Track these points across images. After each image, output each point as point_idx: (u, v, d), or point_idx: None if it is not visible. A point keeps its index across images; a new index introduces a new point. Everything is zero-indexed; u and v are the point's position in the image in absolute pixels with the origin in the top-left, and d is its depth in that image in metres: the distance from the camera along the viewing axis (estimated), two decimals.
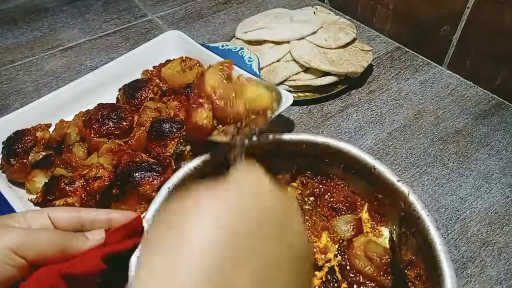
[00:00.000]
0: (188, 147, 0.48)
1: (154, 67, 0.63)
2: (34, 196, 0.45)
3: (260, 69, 0.60)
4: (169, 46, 0.65)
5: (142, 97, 0.54)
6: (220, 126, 0.41)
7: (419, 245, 0.37)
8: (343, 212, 0.43)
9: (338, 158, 0.43)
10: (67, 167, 0.48)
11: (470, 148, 0.56)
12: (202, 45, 0.63)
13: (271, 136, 0.45)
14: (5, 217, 0.30)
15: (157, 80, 0.57)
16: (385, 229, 0.42)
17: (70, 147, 0.50)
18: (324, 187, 0.45)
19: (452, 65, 0.68)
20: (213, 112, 0.41)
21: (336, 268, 0.39)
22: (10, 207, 0.43)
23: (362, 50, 0.67)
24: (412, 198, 0.37)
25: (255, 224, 0.27)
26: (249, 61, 0.60)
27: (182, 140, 0.47)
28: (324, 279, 0.38)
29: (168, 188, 0.38)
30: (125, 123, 0.50)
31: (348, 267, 0.38)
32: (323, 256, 0.40)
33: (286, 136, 0.44)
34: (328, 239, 0.41)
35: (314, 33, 0.67)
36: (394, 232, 0.40)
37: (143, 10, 0.86)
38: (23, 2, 0.90)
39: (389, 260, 0.38)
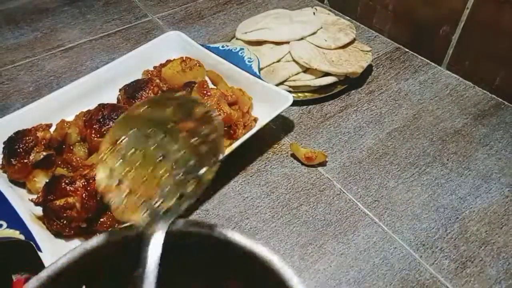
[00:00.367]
0: None
1: (154, 67, 0.63)
2: (35, 196, 0.45)
3: (260, 69, 0.60)
4: (169, 47, 0.65)
5: (143, 97, 0.55)
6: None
7: None
8: None
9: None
10: (68, 167, 0.48)
11: (469, 148, 0.56)
12: (202, 45, 0.63)
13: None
14: None
15: (158, 80, 0.57)
16: None
17: (71, 147, 0.50)
18: None
19: (451, 65, 0.68)
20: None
21: None
22: (11, 207, 0.43)
23: (361, 50, 0.67)
24: None
25: None
26: (249, 61, 0.60)
27: None
28: None
29: None
30: None
31: None
32: None
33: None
34: None
35: (314, 33, 0.67)
36: None
37: (144, 11, 0.87)
38: (24, 2, 0.91)
39: None
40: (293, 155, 0.55)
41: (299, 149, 0.54)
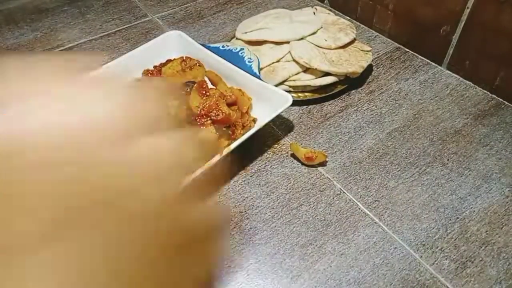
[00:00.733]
0: None
1: (154, 66, 0.63)
2: None
3: (260, 69, 0.60)
4: (169, 46, 0.65)
5: None
6: None
7: None
8: None
9: None
10: None
11: (469, 148, 0.56)
12: (202, 45, 0.63)
13: None
14: None
15: None
16: None
17: None
18: None
19: (451, 65, 0.68)
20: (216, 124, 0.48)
21: None
22: None
23: (361, 50, 0.67)
24: None
25: None
26: (249, 61, 0.60)
27: None
28: None
29: None
30: None
31: None
32: None
33: None
34: None
35: (314, 33, 0.67)
36: None
37: (144, 11, 0.87)
38: (24, 2, 0.91)
39: None
40: (293, 155, 0.55)
41: (299, 149, 0.54)
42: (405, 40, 0.74)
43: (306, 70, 0.63)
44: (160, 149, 0.16)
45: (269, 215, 0.49)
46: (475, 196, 0.50)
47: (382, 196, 0.50)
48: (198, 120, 0.49)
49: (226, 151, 0.48)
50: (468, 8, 0.61)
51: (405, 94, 0.64)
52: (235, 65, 0.59)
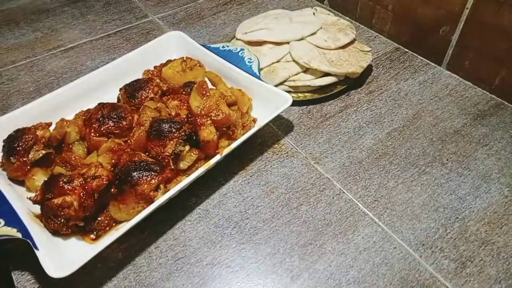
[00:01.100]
0: (187, 148, 0.48)
1: (155, 67, 0.63)
2: (33, 194, 0.45)
3: (260, 70, 0.60)
4: (170, 46, 0.65)
5: (143, 97, 0.55)
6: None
7: None
8: None
9: None
10: (67, 166, 0.48)
11: (469, 148, 0.56)
12: (203, 45, 0.63)
13: None
14: None
15: (158, 80, 0.58)
16: None
17: (70, 146, 0.50)
18: None
19: (451, 65, 0.68)
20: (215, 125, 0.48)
21: None
22: (9, 205, 0.43)
23: (361, 50, 0.67)
24: None
25: None
26: (249, 62, 0.60)
27: (181, 141, 0.47)
28: None
29: None
30: (124, 123, 0.50)
31: None
32: None
33: None
34: None
35: (313, 34, 0.67)
36: None
37: (144, 11, 0.87)
38: (24, 2, 0.91)
39: None
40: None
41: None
42: (405, 41, 0.74)
43: (306, 70, 0.64)
44: None
45: (269, 215, 0.49)
46: (475, 196, 0.50)
47: (381, 196, 0.50)
48: (198, 120, 0.49)
49: (226, 151, 0.48)
50: (467, 8, 0.61)
51: (405, 94, 0.65)
52: (235, 66, 0.59)
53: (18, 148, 0.47)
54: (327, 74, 0.63)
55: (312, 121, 0.61)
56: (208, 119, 0.50)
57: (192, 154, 0.48)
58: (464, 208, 0.49)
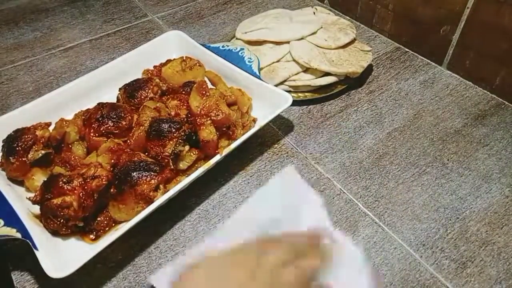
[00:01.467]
0: (187, 148, 0.48)
1: (154, 66, 0.63)
2: (33, 195, 0.45)
3: (260, 69, 0.60)
4: (170, 46, 0.65)
5: (142, 97, 0.54)
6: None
7: None
8: None
9: None
10: (66, 166, 0.48)
11: (469, 148, 0.56)
12: (202, 45, 0.63)
13: None
14: None
15: (157, 80, 0.57)
16: None
17: (70, 146, 0.50)
18: None
19: (451, 65, 0.68)
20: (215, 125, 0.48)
21: None
22: (9, 205, 0.43)
23: (361, 50, 0.67)
24: None
25: None
26: (249, 61, 0.60)
27: (181, 141, 0.47)
28: None
29: None
30: (124, 123, 0.50)
31: None
32: None
33: None
34: None
35: (314, 33, 0.67)
36: None
37: (144, 11, 0.87)
38: (24, 2, 0.91)
39: None
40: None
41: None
42: (405, 40, 0.74)
43: (306, 70, 0.63)
44: None
45: None
46: (475, 196, 0.50)
47: (382, 196, 0.50)
48: (197, 120, 0.49)
49: (226, 151, 0.48)
50: (468, 8, 0.61)
51: (405, 94, 0.64)
52: (235, 65, 0.59)
53: (17, 148, 0.47)
54: (327, 74, 0.63)
55: (312, 121, 0.61)
56: (208, 119, 0.49)
57: (191, 154, 0.48)
58: (465, 208, 0.49)
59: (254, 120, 0.55)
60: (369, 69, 0.69)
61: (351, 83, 0.65)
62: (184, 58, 0.61)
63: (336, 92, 0.63)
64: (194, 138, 0.48)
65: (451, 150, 0.56)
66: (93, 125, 0.49)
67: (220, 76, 0.60)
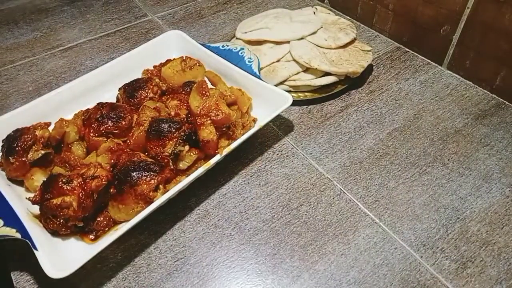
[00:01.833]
0: (186, 147, 0.48)
1: (154, 66, 0.63)
2: (32, 195, 0.45)
3: (260, 69, 0.60)
4: (169, 46, 0.65)
5: (142, 97, 0.54)
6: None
7: None
8: None
9: None
10: (66, 166, 0.48)
11: (470, 148, 0.56)
12: (202, 45, 0.63)
13: None
14: None
15: (157, 80, 0.57)
16: None
17: (69, 146, 0.50)
18: None
19: (452, 65, 0.68)
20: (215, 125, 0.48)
21: None
22: (8, 205, 0.43)
23: (362, 50, 0.67)
24: None
25: None
26: (249, 61, 0.60)
27: (180, 141, 0.47)
28: None
29: None
30: (124, 123, 0.50)
31: None
32: None
33: None
34: None
35: (314, 33, 0.67)
36: None
37: (143, 10, 0.87)
38: (24, 2, 0.91)
39: None
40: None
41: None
42: (406, 40, 0.74)
43: (306, 70, 0.63)
44: None
45: (269, 215, 0.48)
46: (476, 196, 0.50)
47: (382, 196, 0.50)
48: (197, 120, 0.49)
49: (226, 151, 0.48)
50: (468, 8, 0.61)
51: (406, 94, 0.64)
52: (235, 65, 0.59)
53: (17, 148, 0.47)
54: (327, 74, 0.63)
55: (312, 121, 0.61)
56: (208, 119, 0.49)
57: (191, 154, 0.48)
58: (465, 209, 0.49)
59: (254, 120, 0.55)
60: (369, 69, 0.69)
61: (351, 83, 0.65)
62: (184, 58, 0.61)
63: (336, 92, 0.63)
64: (194, 138, 0.48)
65: (451, 150, 0.56)
66: (92, 125, 0.49)
67: (220, 76, 0.60)
